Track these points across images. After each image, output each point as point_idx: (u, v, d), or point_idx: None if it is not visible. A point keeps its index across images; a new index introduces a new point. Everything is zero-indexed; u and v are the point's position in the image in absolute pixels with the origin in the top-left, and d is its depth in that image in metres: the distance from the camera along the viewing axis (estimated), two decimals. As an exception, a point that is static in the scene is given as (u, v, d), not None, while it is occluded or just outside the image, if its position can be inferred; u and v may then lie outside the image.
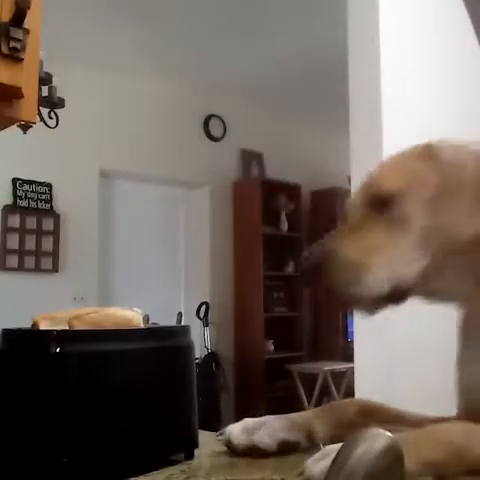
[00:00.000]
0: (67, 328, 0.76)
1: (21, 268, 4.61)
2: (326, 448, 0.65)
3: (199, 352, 5.04)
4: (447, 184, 0.81)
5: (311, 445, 0.82)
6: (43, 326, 0.77)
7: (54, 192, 4.81)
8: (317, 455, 0.64)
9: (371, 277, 0.79)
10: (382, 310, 0.82)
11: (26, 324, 0.81)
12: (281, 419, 0.85)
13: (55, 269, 4.76)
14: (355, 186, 2.73)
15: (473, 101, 3.05)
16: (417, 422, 0.75)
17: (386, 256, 0.80)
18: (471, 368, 0.82)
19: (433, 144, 0.87)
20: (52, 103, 3.34)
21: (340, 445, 0.59)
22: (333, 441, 0.72)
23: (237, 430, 0.83)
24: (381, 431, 0.56)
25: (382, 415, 0.87)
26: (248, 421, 0.85)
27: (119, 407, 0.72)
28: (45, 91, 3.30)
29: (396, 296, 0.82)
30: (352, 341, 2.59)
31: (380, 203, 0.83)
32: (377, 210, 0.83)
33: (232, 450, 0.81)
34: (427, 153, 0.86)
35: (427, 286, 0.83)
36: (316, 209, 6.12)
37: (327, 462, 0.59)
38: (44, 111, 3.33)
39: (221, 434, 0.85)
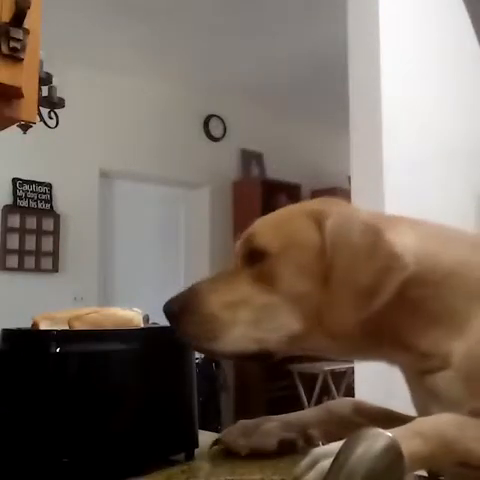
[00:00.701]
0: (67, 328, 0.76)
1: (21, 268, 4.61)
2: (314, 451, 0.62)
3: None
4: (327, 253, 0.74)
5: (308, 444, 0.82)
6: (43, 326, 0.77)
7: (54, 192, 4.82)
8: (307, 459, 0.61)
9: (230, 336, 0.74)
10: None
11: (26, 324, 0.81)
12: (276, 419, 0.85)
13: (55, 269, 4.76)
14: (356, 187, 2.74)
15: (473, 101, 3.05)
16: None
17: (252, 315, 0.74)
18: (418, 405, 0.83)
19: (322, 209, 0.78)
20: (52, 103, 3.34)
21: (331, 446, 0.61)
22: (328, 440, 0.72)
23: (234, 435, 0.82)
24: (381, 431, 0.56)
25: (377, 414, 0.87)
26: (244, 423, 0.84)
27: (119, 407, 0.72)
28: (45, 91, 3.30)
29: (261, 357, 0.76)
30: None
31: (254, 257, 0.77)
32: (250, 264, 0.77)
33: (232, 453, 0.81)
34: (314, 216, 0.77)
35: (303, 349, 0.78)
36: (316, 209, 6.11)
37: (325, 464, 0.58)
38: (44, 111, 3.34)
39: (216, 443, 0.84)
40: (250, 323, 0.74)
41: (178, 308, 0.76)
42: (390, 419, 0.83)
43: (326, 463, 0.57)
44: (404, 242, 0.75)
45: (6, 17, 0.81)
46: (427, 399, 0.77)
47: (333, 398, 4.89)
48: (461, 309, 0.75)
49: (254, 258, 0.77)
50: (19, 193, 4.65)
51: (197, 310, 0.75)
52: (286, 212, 0.84)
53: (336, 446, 0.57)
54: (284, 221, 0.82)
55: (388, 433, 0.55)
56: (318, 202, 0.83)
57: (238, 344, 0.74)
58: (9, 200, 4.62)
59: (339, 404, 0.89)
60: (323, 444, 0.67)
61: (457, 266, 0.78)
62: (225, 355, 0.76)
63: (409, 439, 0.63)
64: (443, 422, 0.68)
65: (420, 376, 0.77)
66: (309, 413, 0.88)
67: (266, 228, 0.80)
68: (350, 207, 0.83)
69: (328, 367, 5.11)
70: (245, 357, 0.75)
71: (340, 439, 0.59)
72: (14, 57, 0.81)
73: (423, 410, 0.79)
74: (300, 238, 0.77)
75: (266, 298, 0.75)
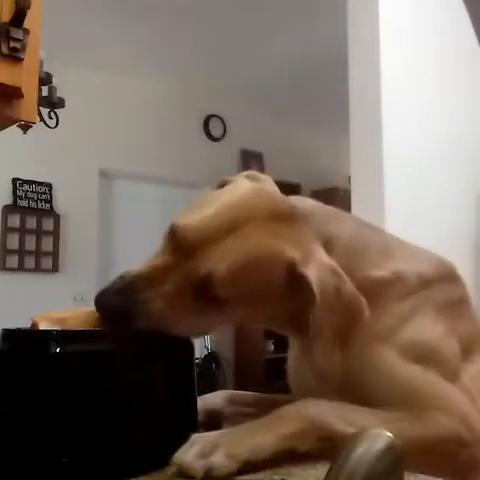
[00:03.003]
0: (67, 328, 0.76)
1: (21, 268, 4.61)
2: (194, 436, 0.70)
3: (199, 352, 5.04)
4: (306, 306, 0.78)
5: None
6: (43, 326, 0.77)
7: (54, 192, 4.82)
8: (185, 446, 0.68)
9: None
10: None
11: (26, 324, 0.81)
12: None
13: (55, 269, 4.76)
14: (356, 187, 2.73)
15: (473, 101, 3.05)
16: (284, 402, 0.80)
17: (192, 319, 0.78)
18: (294, 370, 0.95)
19: (297, 260, 0.78)
20: (52, 103, 3.35)
21: (207, 433, 0.71)
22: (203, 429, 0.76)
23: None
24: (381, 431, 0.56)
25: (249, 401, 0.96)
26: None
27: (119, 407, 0.72)
28: (45, 91, 3.30)
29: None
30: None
31: (205, 295, 0.75)
32: (198, 294, 0.75)
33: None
34: (288, 268, 0.78)
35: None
36: (316, 209, 6.11)
37: (196, 448, 0.67)
38: (44, 111, 3.34)
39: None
40: (188, 328, 0.79)
41: (126, 310, 0.74)
42: (262, 403, 0.94)
43: (195, 448, 0.67)
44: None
45: (6, 17, 0.81)
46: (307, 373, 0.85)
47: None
48: None
49: (204, 294, 0.75)
50: (19, 193, 4.65)
51: (149, 315, 0.75)
52: (249, 252, 0.76)
53: (211, 434, 0.71)
54: (250, 272, 0.76)
55: (388, 433, 0.55)
56: (277, 238, 0.78)
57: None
58: (9, 200, 4.62)
59: (212, 396, 0.96)
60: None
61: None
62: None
63: (278, 421, 0.73)
64: (306, 404, 0.77)
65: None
66: None
67: (229, 277, 0.74)
68: (311, 248, 0.81)
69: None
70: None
71: (211, 429, 0.73)
72: (14, 57, 0.81)
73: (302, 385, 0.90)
74: (266, 290, 0.78)
75: (211, 316, 0.78)
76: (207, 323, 0.81)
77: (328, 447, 0.71)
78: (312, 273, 0.77)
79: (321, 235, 0.83)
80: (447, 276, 0.92)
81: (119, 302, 0.75)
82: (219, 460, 0.67)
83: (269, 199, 0.85)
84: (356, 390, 0.80)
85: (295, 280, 0.77)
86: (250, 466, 0.68)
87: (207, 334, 0.81)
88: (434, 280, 0.88)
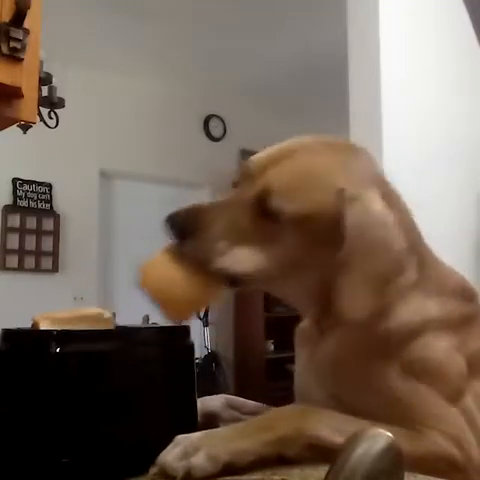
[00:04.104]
0: (67, 328, 0.76)
1: (21, 268, 4.61)
2: (177, 438, 0.70)
3: (199, 352, 5.03)
4: (345, 239, 0.77)
5: None
6: (43, 326, 0.77)
7: (54, 192, 4.82)
8: (169, 447, 0.69)
9: (226, 260, 0.78)
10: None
11: (26, 324, 0.81)
12: None
13: (55, 269, 4.76)
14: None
15: (472, 101, 3.05)
16: None
17: (245, 250, 0.79)
18: (299, 379, 0.92)
19: (344, 187, 0.78)
20: (52, 103, 3.35)
21: (191, 434, 0.70)
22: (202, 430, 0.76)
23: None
24: (381, 431, 0.56)
25: (248, 408, 0.97)
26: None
27: (119, 407, 0.72)
28: (45, 91, 3.30)
29: (234, 281, 0.81)
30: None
31: (266, 212, 0.78)
32: (260, 214, 0.78)
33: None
34: (337, 193, 0.78)
35: (268, 287, 0.89)
36: (316, 209, 6.12)
37: (178, 449, 0.67)
38: (44, 111, 3.34)
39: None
40: (240, 255, 0.79)
41: (181, 226, 0.80)
42: (262, 413, 0.91)
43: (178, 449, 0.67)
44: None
45: (6, 17, 0.81)
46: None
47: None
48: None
49: (265, 212, 0.78)
50: (19, 193, 4.65)
51: (199, 235, 0.78)
52: (307, 169, 0.81)
53: (195, 435, 0.70)
54: (305, 185, 0.79)
55: (388, 433, 0.55)
56: (337, 163, 0.82)
57: (225, 267, 0.78)
58: (9, 200, 4.62)
59: (212, 399, 0.96)
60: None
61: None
62: (223, 274, 0.79)
63: (262, 427, 0.72)
64: (292, 410, 0.77)
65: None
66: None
67: (285, 188, 0.78)
68: (368, 185, 0.82)
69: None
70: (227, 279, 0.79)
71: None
72: (14, 57, 0.81)
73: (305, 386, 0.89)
74: (317, 211, 0.78)
75: (267, 248, 0.78)
76: (265, 259, 0.79)
77: (316, 455, 0.70)
78: (351, 214, 0.76)
79: (380, 187, 0.83)
80: (463, 292, 0.89)
81: (187, 219, 0.81)
82: (200, 461, 0.66)
83: (334, 138, 0.90)
84: (354, 400, 0.79)
85: (341, 209, 0.76)
86: (233, 468, 0.68)
87: (265, 281, 0.82)
88: (450, 296, 0.86)
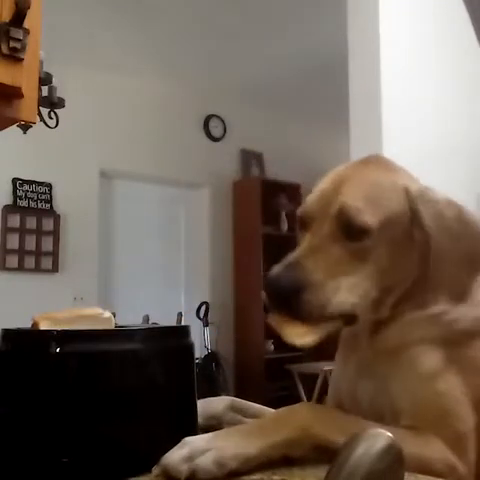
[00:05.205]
0: (67, 328, 0.76)
1: (21, 268, 4.61)
2: (184, 439, 0.70)
3: (199, 352, 5.03)
4: (423, 232, 0.83)
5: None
6: (43, 326, 0.77)
7: (54, 192, 4.82)
8: (175, 447, 0.69)
9: (338, 299, 0.79)
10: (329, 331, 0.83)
11: (26, 324, 0.81)
12: None
13: (55, 269, 4.76)
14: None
15: (472, 100, 3.05)
16: None
17: (349, 282, 0.81)
18: (348, 387, 0.90)
19: (412, 189, 0.85)
20: (52, 103, 3.34)
21: (198, 436, 0.71)
22: (202, 433, 0.76)
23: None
24: (381, 431, 0.56)
25: (250, 411, 0.96)
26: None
27: (119, 407, 0.72)
28: (45, 91, 3.30)
29: (349, 319, 0.83)
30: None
31: (352, 232, 0.81)
32: (346, 237, 0.81)
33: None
34: (405, 192, 0.84)
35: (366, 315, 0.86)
36: (316, 209, 6.11)
37: (184, 451, 0.67)
38: (44, 111, 3.33)
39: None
40: (349, 289, 0.81)
41: (290, 284, 0.78)
42: (260, 414, 0.94)
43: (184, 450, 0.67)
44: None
45: (6, 17, 0.81)
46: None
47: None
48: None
49: (351, 232, 0.81)
50: (19, 193, 4.65)
51: (310, 283, 0.79)
52: (373, 181, 0.85)
53: (202, 437, 0.70)
54: (377, 195, 0.84)
55: (388, 433, 0.55)
56: (386, 170, 0.88)
57: (340, 307, 0.80)
58: (9, 200, 4.62)
59: (214, 401, 0.96)
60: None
61: None
62: (332, 317, 0.80)
63: (267, 428, 0.73)
64: (299, 411, 0.76)
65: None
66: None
67: (361, 203, 0.82)
68: (412, 178, 0.89)
69: (328, 367, 5.11)
70: (340, 318, 0.81)
71: (208, 432, 0.72)
72: (14, 57, 0.81)
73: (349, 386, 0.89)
74: (395, 215, 0.83)
75: (360, 267, 0.81)
76: (359, 282, 0.81)
77: (322, 455, 0.70)
78: (426, 197, 0.83)
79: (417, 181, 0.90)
80: None
81: (287, 279, 0.79)
82: (205, 464, 0.67)
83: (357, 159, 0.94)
84: (401, 392, 0.81)
85: (413, 204, 0.82)
86: (238, 473, 0.68)
87: (361, 306, 0.83)
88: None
